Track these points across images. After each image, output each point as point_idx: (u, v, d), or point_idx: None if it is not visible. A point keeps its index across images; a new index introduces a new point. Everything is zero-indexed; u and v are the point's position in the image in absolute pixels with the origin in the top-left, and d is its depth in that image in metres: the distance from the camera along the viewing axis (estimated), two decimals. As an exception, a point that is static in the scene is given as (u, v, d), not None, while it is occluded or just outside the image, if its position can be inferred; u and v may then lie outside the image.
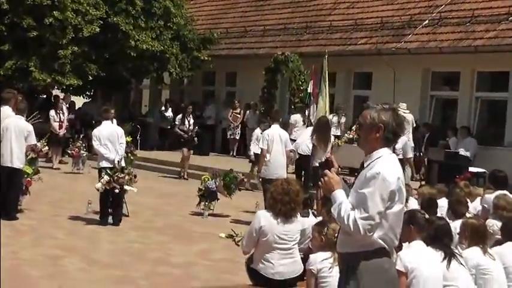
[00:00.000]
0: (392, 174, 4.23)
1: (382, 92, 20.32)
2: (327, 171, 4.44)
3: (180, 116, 20.38)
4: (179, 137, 20.00)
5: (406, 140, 14.77)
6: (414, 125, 17.71)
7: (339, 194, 4.35)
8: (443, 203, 9.01)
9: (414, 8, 21.34)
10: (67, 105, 21.95)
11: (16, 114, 12.18)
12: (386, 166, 4.25)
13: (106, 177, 11.92)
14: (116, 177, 11.95)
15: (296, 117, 19.97)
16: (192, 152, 20.20)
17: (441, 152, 17.44)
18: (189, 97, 26.84)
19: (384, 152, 4.34)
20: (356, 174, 4.46)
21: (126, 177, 12.17)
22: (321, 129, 13.44)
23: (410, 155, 15.26)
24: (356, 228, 4.16)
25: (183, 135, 19.77)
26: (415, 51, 19.91)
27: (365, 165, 4.35)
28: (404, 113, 16.50)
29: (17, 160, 11.71)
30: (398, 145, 13.11)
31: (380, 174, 4.18)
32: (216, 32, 25.62)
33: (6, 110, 12.02)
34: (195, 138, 20.07)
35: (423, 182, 15.33)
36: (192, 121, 20.14)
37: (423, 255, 5.80)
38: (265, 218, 6.65)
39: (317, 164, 13.26)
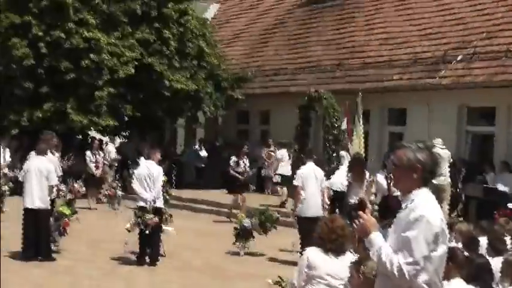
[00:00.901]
0: (436, 216, 4.14)
1: (417, 128, 20.21)
2: (361, 213, 4.34)
3: (234, 157, 19.35)
4: (234, 179, 19.05)
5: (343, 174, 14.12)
6: (450, 161, 17.50)
7: (377, 237, 4.23)
8: (482, 240, 8.87)
9: (448, 43, 21.26)
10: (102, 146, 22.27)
11: (53, 154, 12.41)
12: (429, 208, 4.16)
13: (134, 219, 12.01)
14: (144, 219, 11.97)
15: (282, 152, 20.26)
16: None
17: (479, 188, 17.23)
18: (223, 136, 26.93)
19: (423, 193, 4.25)
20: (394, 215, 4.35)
21: (156, 218, 12.14)
22: (357, 166, 13.47)
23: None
24: (401, 273, 4.05)
25: (238, 178, 19.00)
26: (450, 86, 19.79)
27: (403, 207, 4.24)
28: (441, 148, 16.40)
29: (39, 201, 11.87)
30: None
31: (424, 217, 4.08)
32: (249, 70, 25.82)
33: (32, 154, 12.32)
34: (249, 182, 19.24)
35: (461, 219, 15.12)
36: (247, 162, 19.51)
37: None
38: (314, 256, 6.53)
39: (353, 201, 13.27)
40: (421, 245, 4.05)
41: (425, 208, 4.14)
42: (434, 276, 4.17)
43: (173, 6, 22.88)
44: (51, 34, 20.82)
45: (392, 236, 4.21)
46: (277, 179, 21.40)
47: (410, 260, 4.04)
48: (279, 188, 21.41)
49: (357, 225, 4.34)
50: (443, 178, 16.18)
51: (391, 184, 12.48)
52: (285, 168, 20.59)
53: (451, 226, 9.87)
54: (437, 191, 15.62)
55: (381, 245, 4.17)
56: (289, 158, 20.91)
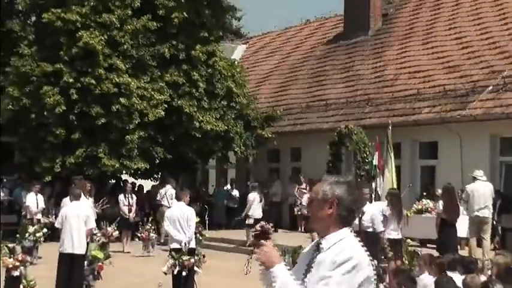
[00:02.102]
0: (366, 260, 3.69)
1: (449, 160, 20.06)
2: (263, 242, 3.85)
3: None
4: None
5: (376, 210, 13.32)
6: (494, 195, 17.01)
7: (281, 270, 3.73)
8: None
9: (477, 74, 21.17)
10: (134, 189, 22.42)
11: (87, 199, 12.53)
12: (358, 250, 3.70)
13: (171, 261, 12.01)
14: (181, 260, 12.00)
15: (254, 195, 20.30)
16: None
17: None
18: (254, 175, 26.97)
19: (346, 234, 3.76)
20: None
21: (192, 259, 12.18)
22: (394, 201, 13.51)
23: (381, 228, 13.00)
24: None
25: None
26: (481, 117, 19.65)
27: (322, 248, 3.77)
28: (482, 181, 16.19)
29: (77, 246, 11.94)
30: (366, 216, 12.17)
31: (353, 259, 3.63)
32: (278, 109, 25.92)
33: (66, 200, 12.42)
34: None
35: (498, 251, 14.87)
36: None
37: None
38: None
39: (391, 237, 13.22)
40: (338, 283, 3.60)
41: (354, 250, 3.69)
42: None
43: (201, 48, 23.11)
44: (82, 80, 21.15)
45: (311, 279, 3.74)
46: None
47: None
48: None
49: (260, 254, 3.83)
50: (487, 211, 15.94)
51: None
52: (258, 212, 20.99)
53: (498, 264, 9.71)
54: (480, 224, 15.46)
55: (286, 280, 3.70)
56: (260, 201, 21.32)
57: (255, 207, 20.66)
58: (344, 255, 3.63)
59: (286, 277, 3.70)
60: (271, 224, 3.86)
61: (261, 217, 19.90)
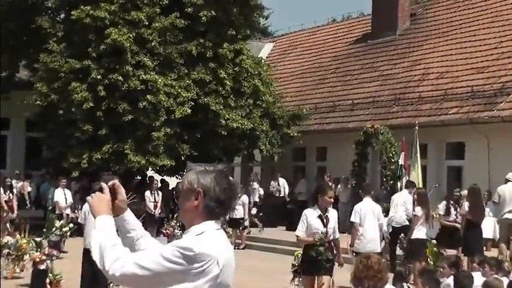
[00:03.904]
0: (216, 259, 3.33)
1: (476, 161, 19.93)
2: (98, 193, 3.56)
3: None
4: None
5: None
6: None
7: (107, 221, 3.46)
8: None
9: (506, 75, 21.01)
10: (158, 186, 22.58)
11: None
12: (208, 246, 3.33)
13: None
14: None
15: (243, 198, 20.43)
16: None
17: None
18: (280, 173, 26.92)
19: (209, 227, 3.43)
20: None
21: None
22: (422, 201, 13.53)
23: (336, 235, 11.04)
24: (111, 264, 3.30)
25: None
26: (509, 118, 19.49)
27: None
28: None
29: None
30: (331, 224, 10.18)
31: (190, 250, 3.27)
32: (305, 108, 25.91)
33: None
34: None
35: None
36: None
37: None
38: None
39: (418, 237, 13.23)
40: (157, 259, 3.27)
41: (203, 246, 3.30)
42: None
43: (228, 47, 23.16)
44: (110, 77, 21.31)
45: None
46: None
47: (136, 260, 3.30)
48: None
49: (93, 198, 3.54)
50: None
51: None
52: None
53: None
54: (509, 226, 15.36)
55: (105, 231, 3.40)
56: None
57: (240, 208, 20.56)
58: (185, 243, 3.33)
59: (107, 229, 3.42)
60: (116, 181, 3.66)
61: (241, 217, 20.57)
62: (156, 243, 3.67)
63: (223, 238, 3.49)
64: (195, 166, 3.60)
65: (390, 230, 15.81)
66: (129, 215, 3.67)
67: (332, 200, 10.39)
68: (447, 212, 15.72)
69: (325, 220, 9.91)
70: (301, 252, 10.63)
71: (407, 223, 15.20)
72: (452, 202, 15.96)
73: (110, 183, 3.63)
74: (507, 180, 16.08)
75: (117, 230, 3.53)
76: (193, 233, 3.41)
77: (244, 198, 21.11)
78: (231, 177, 3.58)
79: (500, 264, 9.56)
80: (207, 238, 3.37)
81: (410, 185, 17.45)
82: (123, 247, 3.39)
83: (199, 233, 3.39)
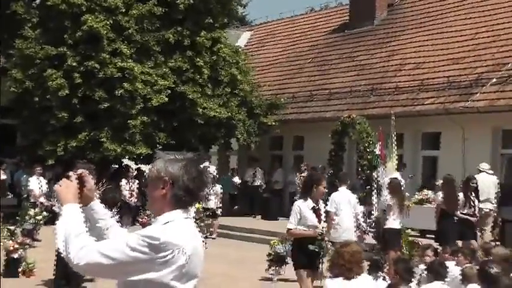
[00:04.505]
0: (183, 248, 3.29)
1: (451, 151, 20.07)
2: (65, 181, 3.53)
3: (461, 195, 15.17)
4: None
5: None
6: (498, 187, 16.98)
7: (73, 209, 3.44)
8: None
9: (481, 66, 21.15)
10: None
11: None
12: (175, 235, 3.29)
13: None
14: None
15: (216, 188, 20.49)
16: None
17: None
18: (257, 162, 26.93)
19: (176, 216, 3.39)
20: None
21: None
22: (396, 191, 13.52)
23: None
24: (76, 253, 3.26)
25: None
26: (484, 109, 19.64)
27: None
28: (488, 174, 16.21)
29: None
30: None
31: (157, 240, 3.24)
32: (282, 97, 25.91)
33: None
34: None
35: (498, 243, 14.89)
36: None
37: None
38: (332, 284, 6.56)
39: (391, 226, 13.26)
40: (122, 248, 3.24)
41: (169, 235, 3.28)
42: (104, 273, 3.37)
43: (206, 35, 23.08)
44: (86, 64, 21.14)
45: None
46: None
47: (102, 249, 3.26)
48: None
49: (60, 185, 3.53)
50: (490, 204, 15.97)
51: None
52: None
53: (487, 251, 9.80)
54: (483, 216, 15.47)
55: (72, 219, 3.38)
56: None
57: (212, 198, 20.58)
58: (151, 232, 3.29)
59: (73, 217, 3.39)
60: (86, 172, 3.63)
61: (216, 206, 20.65)
62: (126, 232, 3.63)
63: (191, 227, 3.44)
64: (163, 154, 3.56)
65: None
66: (97, 205, 3.63)
67: (326, 190, 10.08)
68: (464, 204, 14.50)
69: (317, 212, 9.57)
70: (292, 244, 10.29)
71: None
72: (469, 194, 14.59)
73: (78, 171, 3.59)
74: (480, 171, 16.21)
75: (86, 220, 3.49)
76: (160, 222, 3.37)
77: (217, 188, 21.08)
78: (203, 166, 3.55)
79: (474, 253, 9.63)
80: (174, 227, 3.33)
81: (403, 166, 17.61)
82: (88, 236, 3.35)
83: (166, 222, 3.35)
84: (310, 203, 9.51)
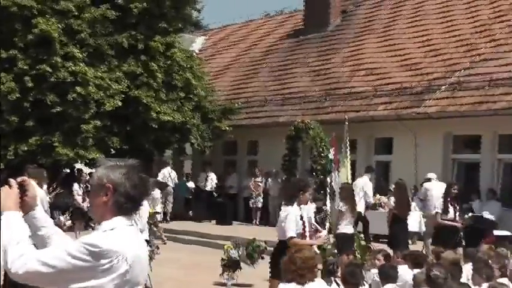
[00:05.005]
0: (124, 255, 3.25)
1: (403, 156, 20.33)
2: (6, 187, 3.44)
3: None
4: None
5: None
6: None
7: (15, 218, 3.34)
8: (468, 267, 8.88)
9: (433, 73, 21.48)
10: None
11: (41, 187, 12.33)
12: (117, 243, 3.26)
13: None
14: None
15: (154, 193, 20.56)
16: None
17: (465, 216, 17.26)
18: (211, 167, 26.93)
19: (118, 223, 3.36)
20: None
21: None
22: (348, 196, 13.61)
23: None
24: (13, 262, 3.19)
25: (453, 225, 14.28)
26: (435, 115, 19.95)
27: None
28: (437, 181, 16.47)
29: None
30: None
31: (97, 247, 3.20)
32: (236, 102, 25.93)
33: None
34: None
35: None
36: None
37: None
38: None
39: (344, 231, 13.34)
40: (62, 256, 3.20)
41: (110, 242, 3.24)
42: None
43: (160, 39, 22.98)
44: (37, 68, 20.85)
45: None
46: None
47: (38, 257, 3.21)
48: None
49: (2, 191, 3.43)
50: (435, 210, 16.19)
51: None
52: None
53: (438, 255, 9.93)
54: (434, 223, 15.64)
55: (12, 229, 3.29)
56: None
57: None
58: (92, 239, 3.25)
59: (13, 225, 3.29)
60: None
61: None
62: (69, 240, 3.57)
63: (134, 234, 3.41)
64: (105, 161, 3.53)
65: None
66: (39, 212, 3.57)
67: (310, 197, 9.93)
68: (445, 210, 14.26)
69: (303, 220, 9.45)
70: (275, 251, 9.86)
71: (362, 211, 15.68)
72: (450, 199, 14.32)
73: (19, 179, 3.52)
74: (429, 179, 16.48)
75: (28, 228, 3.40)
76: (102, 229, 3.34)
77: (156, 192, 20.89)
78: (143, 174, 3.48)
79: (422, 257, 9.73)
80: (116, 234, 3.30)
81: (370, 169, 17.80)
82: (28, 244, 3.29)
83: (108, 229, 3.32)
84: (297, 209, 9.40)
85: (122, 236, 3.31)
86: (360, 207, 16.40)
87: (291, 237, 9.24)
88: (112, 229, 3.32)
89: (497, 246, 11.77)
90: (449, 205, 14.25)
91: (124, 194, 3.38)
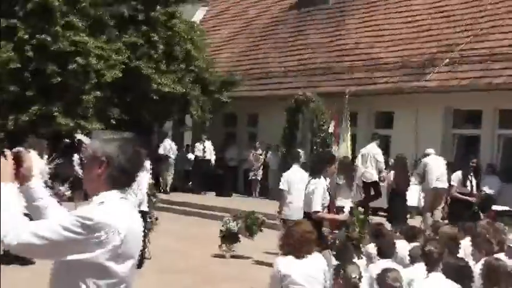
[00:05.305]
0: (116, 228, 3.24)
1: (403, 130, 20.30)
2: (8, 151, 3.45)
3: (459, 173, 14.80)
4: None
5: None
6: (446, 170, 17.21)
7: (8, 188, 3.32)
8: (467, 243, 8.89)
9: (434, 47, 21.37)
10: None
11: (41, 158, 12.35)
12: (109, 216, 3.25)
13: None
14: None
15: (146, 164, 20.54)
16: None
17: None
18: (210, 139, 26.93)
19: (112, 196, 3.36)
20: None
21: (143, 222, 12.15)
22: (346, 170, 13.57)
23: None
24: (7, 233, 3.17)
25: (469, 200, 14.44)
26: (436, 89, 19.90)
27: None
28: (436, 156, 16.42)
29: None
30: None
31: (91, 220, 3.19)
32: (237, 74, 25.85)
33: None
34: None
35: (446, 221, 15.16)
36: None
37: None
38: (281, 263, 6.59)
39: (342, 204, 13.35)
40: (55, 228, 3.19)
41: (103, 216, 3.24)
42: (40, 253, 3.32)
43: (161, 10, 22.86)
44: (37, 37, 20.74)
45: None
46: None
47: (31, 229, 3.19)
48: None
49: None
50: (444, 183, 16.15)
51: None
52: None
53: (436, 229, 9.95)
54: (436, 195, 15.68)
55: (7, 200, 3.26)
56: None
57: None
58: (85, 212, 3.25)
59: (7, 197, 3.27)
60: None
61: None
62: (65, 212, 3.58)
63: (128, 208, 3.40)
64: (100, 134, 3.55)
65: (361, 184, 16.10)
66: (35, 184, 3.56)
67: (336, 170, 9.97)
68: (463, 183, 14.18)
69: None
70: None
71: (375, 179, 15.76)
72: (468, 174, 14.21)
73: (15, 150, 3.51)
74: (428, 154, 16.45)
75: (24, 200, 3.44)
76: (96, 202, 3.33)
77: (146, 163, 20.89)
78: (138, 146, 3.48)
79: (419, 232, 9.74)
80: (109, 207, 3.29)
81: (377, 136, 17.77)
82: (22, 216, 3.28)
83: (101, 202, 3.31)
84: (325, 182, 9.45)
85: (115, 209, 3.30)
86: (374, 175, 16.35)
87: (316, 211, 9.32)
88: (105, 202, 3.31)
89: (495, 221, 11.79)
90: (468, 179, 14.14)
91: (118, 167, 3.37)
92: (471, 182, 14.32)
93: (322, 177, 9.52)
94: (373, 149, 17.08)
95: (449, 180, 15.98)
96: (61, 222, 3.22)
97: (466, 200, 13.95)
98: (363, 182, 16.25)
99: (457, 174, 14.53)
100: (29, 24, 21.00)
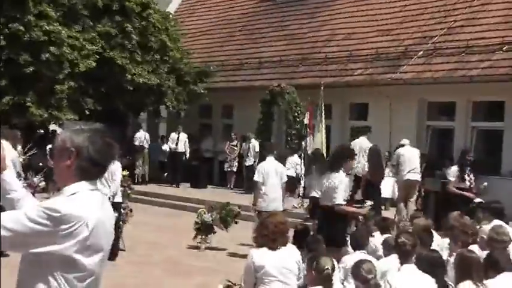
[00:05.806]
0: (86, 221, 3.19)
1: (378, 122, 20.38)
2: None
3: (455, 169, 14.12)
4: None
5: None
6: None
7: (8, 178, 3.40)
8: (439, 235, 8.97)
9: (409, 38, 21.49)
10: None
11: (15, 148, 12.23)
12: (78, 208, 3.20)
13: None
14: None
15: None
16: None
17: (438, 182, 17.40)
18: (185, 130, 26.88)
19: (81, 188, 3.31)
20: None
21: (116, 214, 12.10)
22: (318, 161, 13.62)
23: None
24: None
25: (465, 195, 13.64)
26: (411, 81, 20.00)
27: None
28: (411, 147, 16.48)
29: None
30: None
31: (58, 212, 3.14)
32: (212, 65, 25.77)
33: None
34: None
35: (421, 212, 15.25)
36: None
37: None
38: (256, 254, 6.60)
39: (315, 195, 13.37)
40: (21, 220, 3.14)
41: (72, 207, 3.19)
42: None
43: (135, 0, 22.71)
44: (10, 27, 20.48)
45: None
46: None
47: (15, 217, 3.16)
48: None
49: None
50: (417, 175, 16.19)
51: None
52: None
53: (411, 220, 10.02)
54: (409, 187, 15.74)
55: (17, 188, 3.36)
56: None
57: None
58: (52, 204, 3.19)
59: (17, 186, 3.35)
60: None
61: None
62: (37, 204, 3.49)
63: (97, 199, 3.34)
64: (70, 124, 3.45)
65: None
66: (8, 176, 3.49)
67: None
68: (461, 179, 13.67)
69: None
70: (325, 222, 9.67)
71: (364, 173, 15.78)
72: (465, 169, 13.70)
73: None
74: (403, 145, 16.50)
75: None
76: (65, 194, 3.28)
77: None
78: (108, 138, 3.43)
79: (391, 224, 9.80)
80: (78, 199, 3.24)
81: (367, 130, 17.77)
82: None
83: (71, 194, 3.26)
84: (346, 177, 9.56)
85: (84, 201, 3.25)
86: (363, 169, 16.38)
87: (338, 204, 9.34)
88: (74, 194, 3.26)
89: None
90: (465, 173, 13.76)
91: (87, 158, 3.33)
92: (469, 176, 13.89)
93: (341, 171, 9.52)
94: (364, 143, 17.04)
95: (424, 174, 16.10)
96: (27, 213, 3.16)
97: (461, 194, 13.74)
98: (355, 176, 16.17)
99: (454, 169, 14.08)
100: (1, 13, 20.72)
